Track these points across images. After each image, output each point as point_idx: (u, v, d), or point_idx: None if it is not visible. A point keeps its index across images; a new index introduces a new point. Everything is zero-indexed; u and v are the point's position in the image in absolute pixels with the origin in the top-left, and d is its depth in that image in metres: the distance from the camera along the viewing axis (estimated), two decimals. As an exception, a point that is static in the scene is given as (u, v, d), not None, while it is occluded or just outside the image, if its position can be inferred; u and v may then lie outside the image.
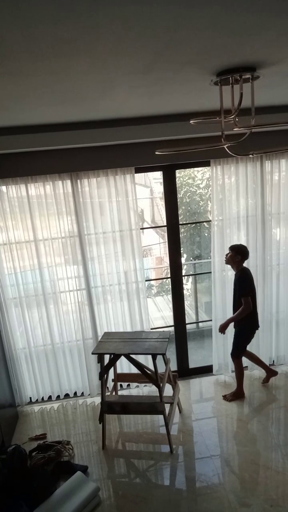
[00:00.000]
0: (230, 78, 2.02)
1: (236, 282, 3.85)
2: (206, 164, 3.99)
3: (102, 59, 1.62)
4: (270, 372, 4.22)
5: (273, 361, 4.56)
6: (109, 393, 3.91)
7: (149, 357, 3.77)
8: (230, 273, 4.23)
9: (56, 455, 3.42)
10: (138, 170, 3.90)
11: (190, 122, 2.41)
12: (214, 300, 4.29)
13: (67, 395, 4.37)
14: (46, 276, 4.00)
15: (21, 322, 4.09)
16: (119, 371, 4.08)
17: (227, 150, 2.25)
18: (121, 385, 4.37)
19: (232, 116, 2.11)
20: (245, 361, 4.49)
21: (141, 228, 4.07)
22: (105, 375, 3.51)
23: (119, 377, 4.03)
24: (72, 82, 1.94)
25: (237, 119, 2.15)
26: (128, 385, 4.41)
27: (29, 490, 2.93)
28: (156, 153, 2.29)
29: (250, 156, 2.19)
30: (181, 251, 4.37)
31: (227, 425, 3.73)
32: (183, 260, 5.78)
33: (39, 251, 3.92)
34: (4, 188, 3.77)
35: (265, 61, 1.88)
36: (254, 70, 2.00)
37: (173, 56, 1.68)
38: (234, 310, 3.89)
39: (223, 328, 3.89)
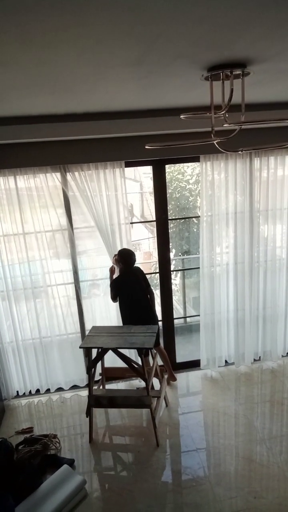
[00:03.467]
0: (221, 73, 2.02)
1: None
2: (196, 159, 4.00)
3: (92, 50, 1.60)
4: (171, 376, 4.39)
5: (260, 357, 4.62)
6: (96, 387, 3.92)
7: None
8: (218, 268, 4.26)
9: (43, 448, 3.43)
10: (128, 164, 3.89)
11: (181, 117, 2.41)
12: (203, 296, 4.32)
13: (54, 389, 4.36)
14: (35, 269, 3.97)
15: (9, 316, 4.05)
16: (106, 365, 4.09)
17: (217, 146, 2.25)
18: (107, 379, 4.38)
19: (222, 112, 2.12)
20: (230, 357, 4.55)
21: (130, 223, 4.07)
22: (93, 369, 3.51)
23: (107, 371, 4.04)
24: (62, 73, 1.92)
25: (227, 115, 2.16)
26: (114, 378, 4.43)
27: (15, 484, 2.93)
28: (146, 147, 2.28)
29: (240, 152, 2.20)
30: (170, 246, 4.38)
31: (213, 419, 3.78)
32: (171, 255, 5.80)
33: (27, 244, 3.89)
34: (-8, 180, 3.73)
35: (255, 57, 1.89)
36: (244, 66, 2.00)
37: (164, 49, 1.67)
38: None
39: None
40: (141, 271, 3.99)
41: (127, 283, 3.86)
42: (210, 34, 1.53)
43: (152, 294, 4.02)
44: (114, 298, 3.89)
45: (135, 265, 3.93)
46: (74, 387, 4.36)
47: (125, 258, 3.82)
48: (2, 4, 1.12)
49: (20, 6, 1.15)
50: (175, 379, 4.37)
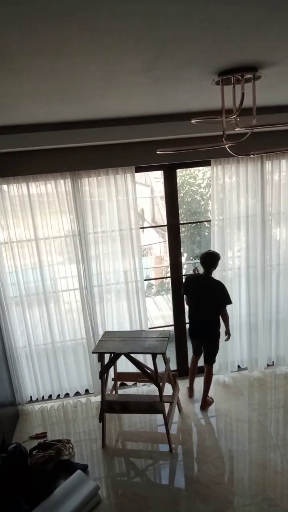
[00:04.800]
0: (232, 78, 2.02)
1: None
2: (207, 163, 3.99)
3: (102, 57, 1.62)
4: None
5: (273, 362, 4.56)
6: (109, 392, 3.91)
7: (149, 356, 3.77)
8: (230, 272, 4.23)
9: (56, 453, 3.43)
10: (138, 169, 3.91)
11: (192, 121, 2.41)
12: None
13: (67, 394, 4.37)
14: (47, 274, 4.00)
15: (22, 321, 4.09)
16: (119, 370, 4.08)
17: (228, 150, 2.25)
18: (120, 384, 4.37)
19: (234, 116, 2.11)
20: (243, 362, 4.50)
21: (141, 228, 4.07)
22: (105, 374, 3.51)
23: (119, 376, 4.04)
24: (73, 80, 1.94)
25: (238, 119, 2.15)
26: (123, 383, 4.42)
27: (29, 489, 2.94)
28: (158, 152, 2.29)
29: (251, 156, 2.19)
30: (182, 251, 4.37)
31: (226, 424, 3.74)
32: (183, 259, 5.79)
33: (40, 250, 3.92)
34: (5, 186, 3.78)
35: (266, 61, 1.88)
36: (255, 70, 2.00)
37: (175, 55, 1.68)
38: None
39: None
40: (221, 288, 3.68)
41: (198, 286, 3.79)
42: (221, 38, 1.53)
43: (224, 315, 3.73)
44: (184, 293, 3.95)
45: (219, 282, 3.72)
46: (87, 392, 4.36)
47: (202, 258, 3.74)
48: (12, 11, 1.14)
49: (32, 15, 1.17)
50: (205, 407, 3.96)
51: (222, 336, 3.86)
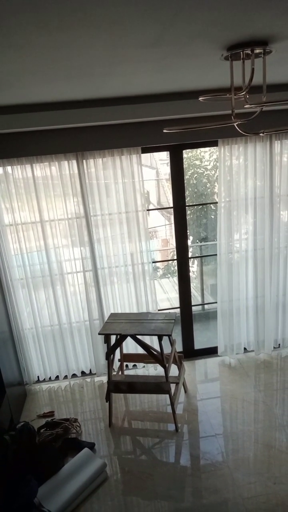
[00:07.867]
0: (241, 52, 1.95)
1: None
2: (214, 144, 3.92)
3: (108, 31, 1.57)
4: None
5: (279, 344, 4.57)
6: (115, 373, 3.96)
7: (155, 338, 3.80)
8: (236, 255, 4.21)
9: (64, 432, 3.50)
10: (144, 151, 3.84)
11: (199, 99, 2.35)
12: (220, 283, 4.28)
13: (74, 375, 4.43)
14: (53, 257, 4.01)
15: (28, 303, 4.12)
16: (125, 351, 4.12)
17: (237, 128, 2.19)
18: (126, 365, 4.42)
19: (243, 93, 2.05)
20: (250, 344, 4.52)
21: (147, 210, 4.04)
22: (112, 355, 3.55)
23: (126, 358, 4.08)
24: (78, 57, 1.89)
25: (247, 96, 2.09)
26: (134, 365, 4.47)
27: (37, 466, 3.01)
28: (164, 131, 2.24)
29: (261, 135, 2.14)
30: (188, 233, 4.33)
31: (231, 405, 3.78)
32: (189, 242, 5.76)
33: (45, 233, 3.92)
34: (9, 168, 3.75)
35: (277, 34, 1.81)
36: (266, 44, 1.93)
37: (182, 29, 1.62)
38: None
39: None
40: None
41: None
42: (231, 10, 1.47)
43: None
44: None
45: None
46: (94, 373, 4.42)
47: None
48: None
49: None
50: None
51: None
